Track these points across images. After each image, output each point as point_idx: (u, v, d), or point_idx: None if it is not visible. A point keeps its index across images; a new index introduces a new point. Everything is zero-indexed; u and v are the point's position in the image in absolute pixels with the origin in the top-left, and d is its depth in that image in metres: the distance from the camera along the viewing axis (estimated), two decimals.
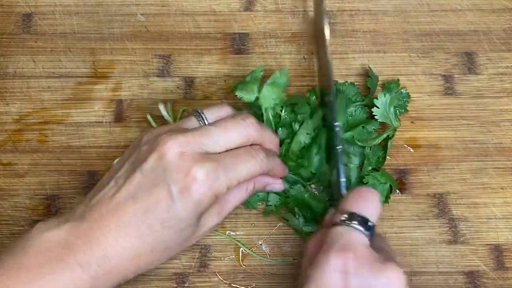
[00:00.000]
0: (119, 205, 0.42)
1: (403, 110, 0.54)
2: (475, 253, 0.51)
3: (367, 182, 0.50)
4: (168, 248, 0.44)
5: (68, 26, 0.57)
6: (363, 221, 0.41)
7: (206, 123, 0.46)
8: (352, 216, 0.41)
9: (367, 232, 0.41)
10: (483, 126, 0.55)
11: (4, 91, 0.56)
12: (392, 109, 0.51)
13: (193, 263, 0.51)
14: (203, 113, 0.47)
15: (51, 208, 0.52)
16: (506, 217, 0.52)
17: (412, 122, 0.55)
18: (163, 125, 0.48)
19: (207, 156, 0.43)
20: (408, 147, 0.54)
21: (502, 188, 0.53)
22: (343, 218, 0.41)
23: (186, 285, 0.51)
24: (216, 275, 0.51)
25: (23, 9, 0.58)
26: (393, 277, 0.38)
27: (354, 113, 0.53)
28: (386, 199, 0.51)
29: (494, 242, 0.52)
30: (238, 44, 0.57)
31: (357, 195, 0.43)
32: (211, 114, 0.47)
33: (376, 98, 0.52)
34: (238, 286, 0.51)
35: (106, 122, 0.55)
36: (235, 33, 0.57)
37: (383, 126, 0.53)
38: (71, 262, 0.40)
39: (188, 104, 0.55)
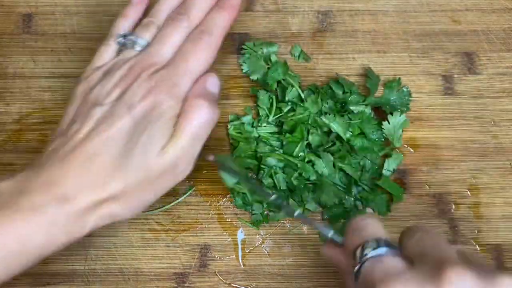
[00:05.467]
0: (81, 141, 0.40)
1: (405, 109, 0.54)
2: (475, 253, 0.51)
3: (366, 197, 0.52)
4: (143, 184, 0.41)
5: (68, 26, 0.57)
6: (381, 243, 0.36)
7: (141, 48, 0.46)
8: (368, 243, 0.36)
9: (392, 250, 0.36)
10: (483, 126, 0.55)
11: (4, 91, 0.56)
12: (400, 131, 0.52)
13: (193, 263, 0.51)
14: (134, 37, 0.46)
15: None
16: (506, 217, 0.52)
17: (412, 122, 0.55)
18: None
19: (174, 90, 0.43)
20: (408, 147, 0.54)
21: (502, 188, 0.53)
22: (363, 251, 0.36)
23: (186, 285, 0.51)
24: (216, 275, 0.51)
25: (23, 9, 0.58)
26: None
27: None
28: (387, 208, 0.52)
29: (494, 242, 0.52)
30: (238, 44, 0.57)
31: (355, 226, 0.39)
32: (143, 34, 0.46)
33: (380, 98, 0.53)
34: (238, 286, 0.51)
35: None
36: (235, 33, 0.57)
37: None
38: (25, 205, 0.37)
39: None
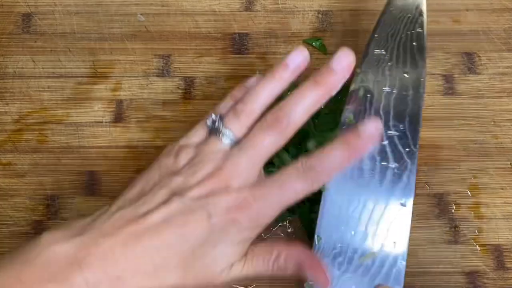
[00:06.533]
0: (151, 227, 0.38)
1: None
2: (475, 253, 0.51)
3: None
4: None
5: (68, 26, 0.57)
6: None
7: (229, 142, 0.42)
8: None
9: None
10: (483, 126, 0.55)
11: (4, 91, 0.56)
12: None
13: None
14: (223, 127, 0.42)
15: (51, 208, 0.52)
16: (506, 217, 0.52)
17: None
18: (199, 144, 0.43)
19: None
20: None
21: (502, 188, 0.53)
22: None
23: None
24: None
25: (23, 9, 0.58)
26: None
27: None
28: None
29: (494, 242, 0.52)
30: (238, 44, 0.57)
31: None
32: (236, 124, 0.42)
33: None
34: (238, 286, 0.51)
35: (106, 122, 0.55)
36: (235, 33, 0.57)
37: None
38: (77, 281, 0.36)
39: (188, 104, 0.55)
